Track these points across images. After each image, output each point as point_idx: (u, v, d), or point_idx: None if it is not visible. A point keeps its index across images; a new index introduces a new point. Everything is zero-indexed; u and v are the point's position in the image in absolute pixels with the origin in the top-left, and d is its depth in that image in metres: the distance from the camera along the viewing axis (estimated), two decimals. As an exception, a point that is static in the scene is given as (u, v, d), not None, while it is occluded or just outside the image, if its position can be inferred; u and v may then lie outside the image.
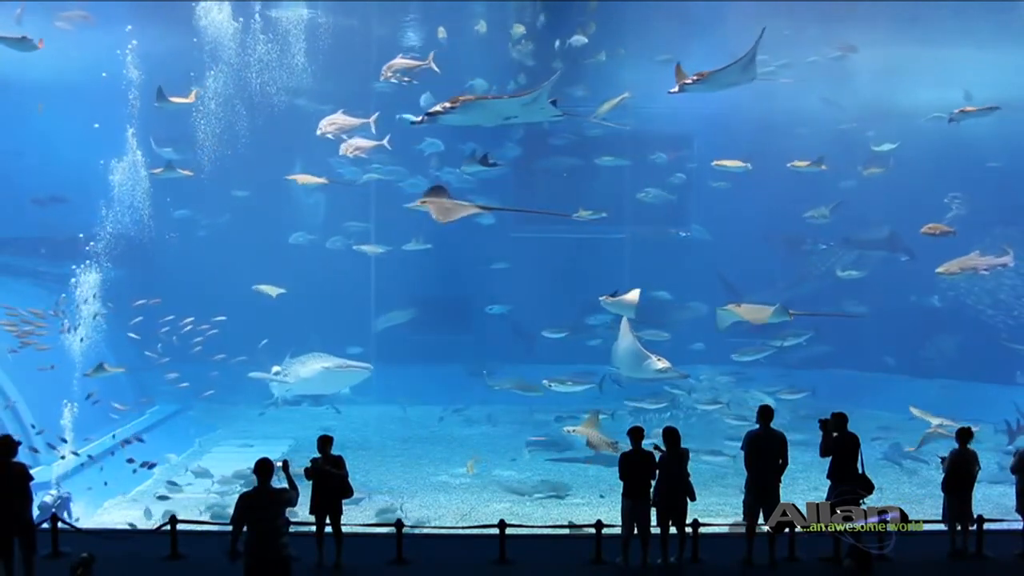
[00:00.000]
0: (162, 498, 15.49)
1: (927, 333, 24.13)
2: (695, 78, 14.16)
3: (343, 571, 9.51)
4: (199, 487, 16.55)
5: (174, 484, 16.41)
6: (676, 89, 14.35)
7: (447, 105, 13.04)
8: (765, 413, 9.60)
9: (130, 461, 16.05)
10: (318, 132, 18.79)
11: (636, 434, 9.54)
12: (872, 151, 22.53)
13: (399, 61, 17.70)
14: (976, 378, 22.41)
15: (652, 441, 9.62)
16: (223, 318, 21.04)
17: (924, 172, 22.99)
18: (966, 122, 22.49)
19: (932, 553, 9.99)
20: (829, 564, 9.67)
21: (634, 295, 18.21)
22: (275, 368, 19.80)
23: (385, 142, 19.12)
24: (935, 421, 17.69)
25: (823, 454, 9.58)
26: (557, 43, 21.69)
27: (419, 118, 13.19)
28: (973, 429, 10.16)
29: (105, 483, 15.92)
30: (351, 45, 22.73)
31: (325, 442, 9.66)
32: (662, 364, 16.10)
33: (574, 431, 18.05)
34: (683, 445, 9.47)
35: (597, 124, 22.16)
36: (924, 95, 22.58)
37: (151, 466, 16.49)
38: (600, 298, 18.55)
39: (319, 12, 23.01)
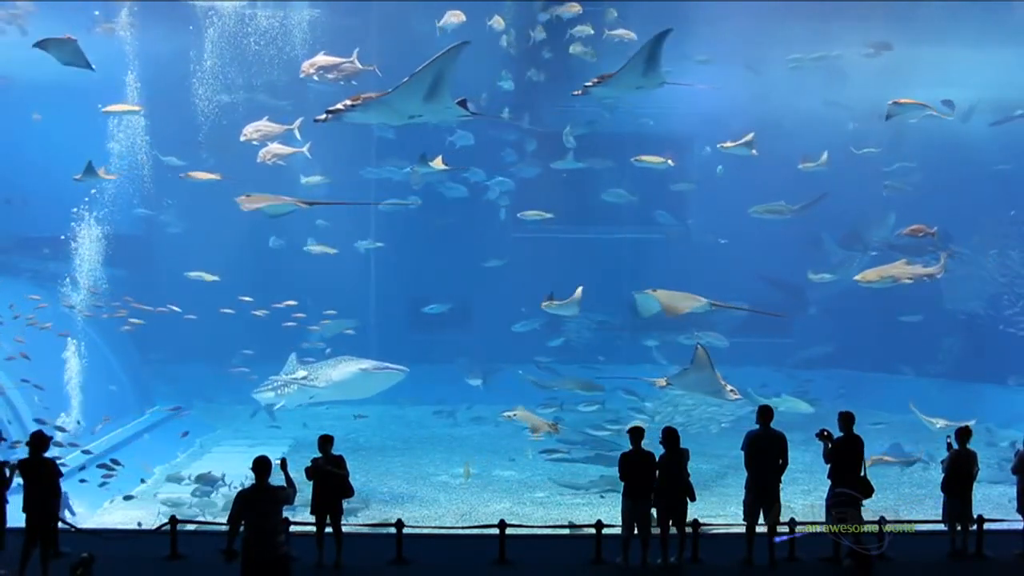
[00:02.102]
0: (128, 498, 15.39)
1: (934, 335, 24.09)
2: (595, 81, 14.11)
3: (343, 571, 9.50)
4: (166, 488, 16.49)
5: (144, 482, 16.61)
6: (579, 92, 14.37)
7: (348, 103, 12.86)
8: (765, 413, 9.59)
9: (101, 466, 15.92)
10: (242, 138, 18.54)
11: (636, 434, 9.53)
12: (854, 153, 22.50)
13: (321, 58, 16.96)
14: (975, 379, 22.45)
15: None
16: (334, 312, 21.36)
17: (929, 173, 23.05)
18: (971, 123, 22.70)
19: (932, 553, 9.98)
20: (829, 564, 9.66)
21: (578, 293, 18.08)
22: (300, 372, 18.97)
23: (304, 149, 18.87)
24: (939, 423, 17.68)
25: (827, 461, 9.56)
26: (574, 30, 20.97)
27: (323, 116, 13.00)
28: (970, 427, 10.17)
29: (82, 481, 15.64)
30: (362, 46, 22.51)
31: (325, 442, 9.66)
32: (735, 396, 15.93)
33: (513, 415, 17.50)
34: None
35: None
36: (927, 94, 22.53)
37: (112, 466, 15.95)
38: (543, 304, 18.44)
39: (321, 11, 22.96)
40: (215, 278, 20.28)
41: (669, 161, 19.83)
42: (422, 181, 22.35)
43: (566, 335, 24.20)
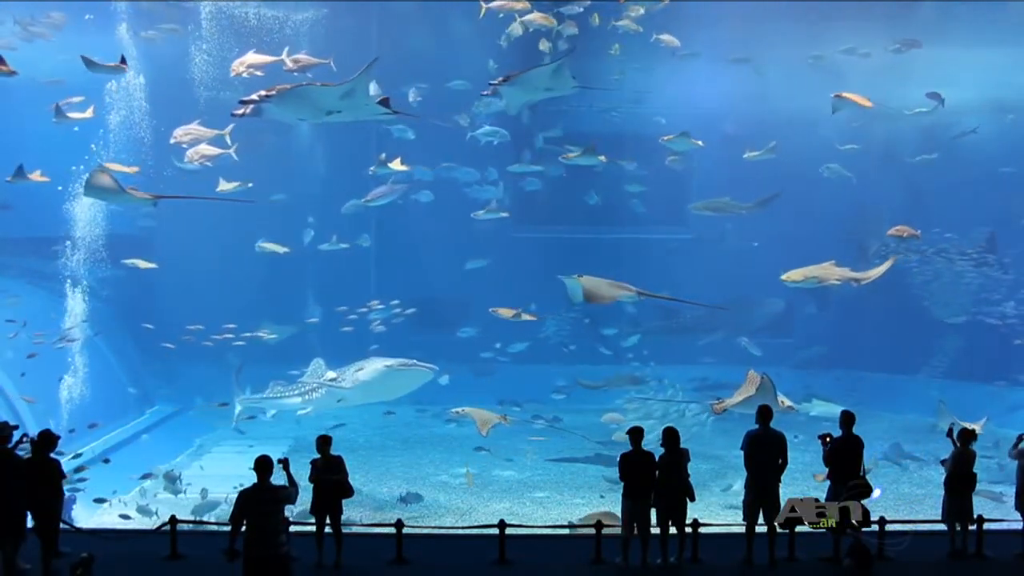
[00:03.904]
0: (99, 500, 15.26)
1: (935, 335, 24.07)
2: (501, 80, 14.17)
3: (343, 571, 9.51)
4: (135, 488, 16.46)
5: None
6: (488, 92, 14.44)
7: (263, 94, 12.76)
8: (764, 413, 9.59)
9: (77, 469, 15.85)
10: (172, 141, 18.52)
11: (636, 434, 9.54)
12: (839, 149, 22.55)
13: (251, 57, 16.79)
14: (973, 379, 22.47)
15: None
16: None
17: (931, 174, 23.04)
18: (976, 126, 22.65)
19: (932, 553, 9.98)
20: (829, 564, 9.66)
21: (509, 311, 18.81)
22: (329, 374, 17.92)
23: (231, 151, 18.84)
24: (974, 426, 17.58)
25: (826, 463, 9.59)
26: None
27: (240, 110, 12.83)
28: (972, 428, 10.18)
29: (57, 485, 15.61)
30: (363, 46, 22.45)
31: (324, 442, 9.66)
32: (794, 409, 15.66)
33: (462, 412, 17.26)
34: None
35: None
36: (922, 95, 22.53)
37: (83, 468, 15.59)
38: (491, 310, 18.89)
39: (318, 11, 22.95)
40: (153, 265, 20.13)
41: (602, 158, 19.92)
42: (404, 187, 22.21)
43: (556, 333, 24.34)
